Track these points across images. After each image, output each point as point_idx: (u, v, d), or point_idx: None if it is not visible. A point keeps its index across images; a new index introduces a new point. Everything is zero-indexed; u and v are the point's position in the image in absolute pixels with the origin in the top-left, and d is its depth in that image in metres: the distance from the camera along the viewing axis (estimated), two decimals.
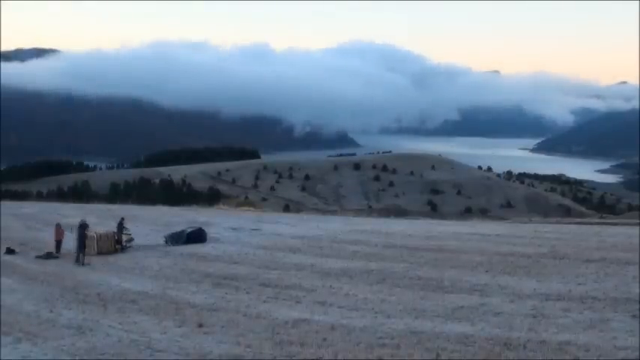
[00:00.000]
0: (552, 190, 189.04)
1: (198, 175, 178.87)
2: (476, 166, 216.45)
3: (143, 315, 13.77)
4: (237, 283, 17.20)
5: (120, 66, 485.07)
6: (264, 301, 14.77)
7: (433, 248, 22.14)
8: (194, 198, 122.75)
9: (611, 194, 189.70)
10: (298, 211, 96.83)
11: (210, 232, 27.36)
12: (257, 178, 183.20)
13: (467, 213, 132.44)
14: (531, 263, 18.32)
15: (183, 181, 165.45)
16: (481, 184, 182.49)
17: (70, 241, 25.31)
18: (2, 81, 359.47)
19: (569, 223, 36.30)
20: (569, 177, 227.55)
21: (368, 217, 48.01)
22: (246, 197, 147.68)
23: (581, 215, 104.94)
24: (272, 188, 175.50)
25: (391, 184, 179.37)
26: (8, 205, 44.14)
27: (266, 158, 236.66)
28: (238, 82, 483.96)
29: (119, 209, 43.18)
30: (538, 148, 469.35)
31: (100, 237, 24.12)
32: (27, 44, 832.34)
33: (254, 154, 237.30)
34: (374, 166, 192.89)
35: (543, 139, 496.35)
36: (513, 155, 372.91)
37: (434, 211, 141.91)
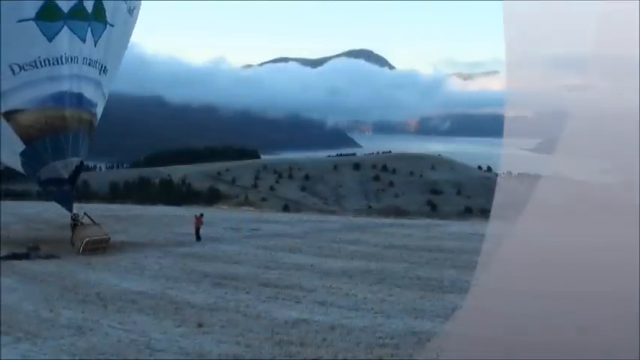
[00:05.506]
0: None
1: (198, 175, 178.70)
2: (476, 166, 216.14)
3: (143, 315, 13.75)
4: (236, 282, 17.18)
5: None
6: (264, 301, 14.76)
7: (433, 248, 22.17)
8: (194, 198, 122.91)
9: None
10: (298, 211, 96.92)
11: (210, 231, 27.37)
12: (257, 178, 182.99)
13: (467, 213, 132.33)
14: None
15: (183, 181, 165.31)
16: (481, 184, 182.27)
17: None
18: None
19: None
20: None
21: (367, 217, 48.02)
22: (246, 197, 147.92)
23: None
24: (272, 188, 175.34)
25: (391, 184, 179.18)
26: (8, 205, 44.10)
27: (265, 158, 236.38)
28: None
29: (119, 209, 43.26)
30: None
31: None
32: None
33: (254, 154, 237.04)
34: (374, 166, 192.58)
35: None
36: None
37: (434, 211, 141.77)
